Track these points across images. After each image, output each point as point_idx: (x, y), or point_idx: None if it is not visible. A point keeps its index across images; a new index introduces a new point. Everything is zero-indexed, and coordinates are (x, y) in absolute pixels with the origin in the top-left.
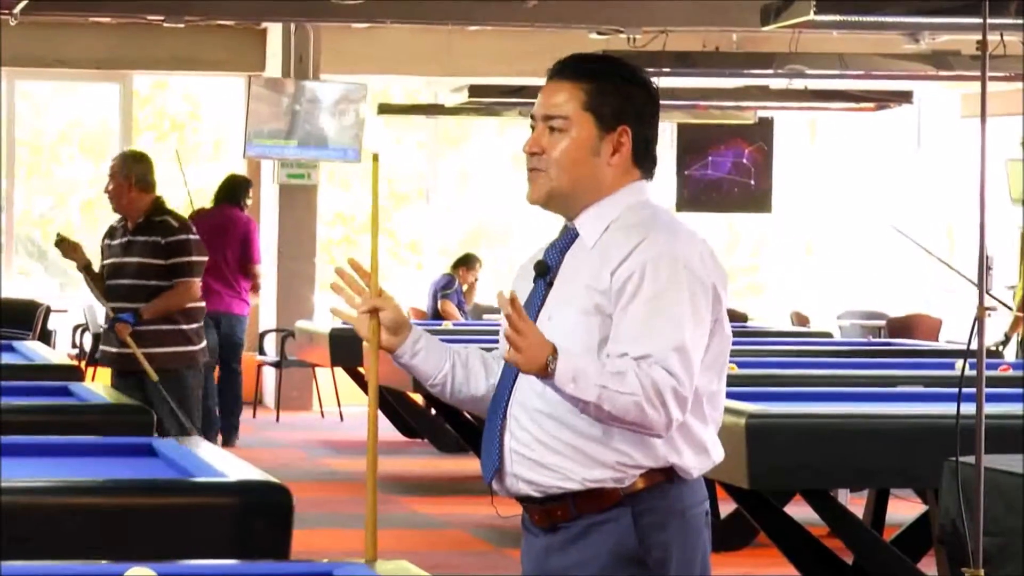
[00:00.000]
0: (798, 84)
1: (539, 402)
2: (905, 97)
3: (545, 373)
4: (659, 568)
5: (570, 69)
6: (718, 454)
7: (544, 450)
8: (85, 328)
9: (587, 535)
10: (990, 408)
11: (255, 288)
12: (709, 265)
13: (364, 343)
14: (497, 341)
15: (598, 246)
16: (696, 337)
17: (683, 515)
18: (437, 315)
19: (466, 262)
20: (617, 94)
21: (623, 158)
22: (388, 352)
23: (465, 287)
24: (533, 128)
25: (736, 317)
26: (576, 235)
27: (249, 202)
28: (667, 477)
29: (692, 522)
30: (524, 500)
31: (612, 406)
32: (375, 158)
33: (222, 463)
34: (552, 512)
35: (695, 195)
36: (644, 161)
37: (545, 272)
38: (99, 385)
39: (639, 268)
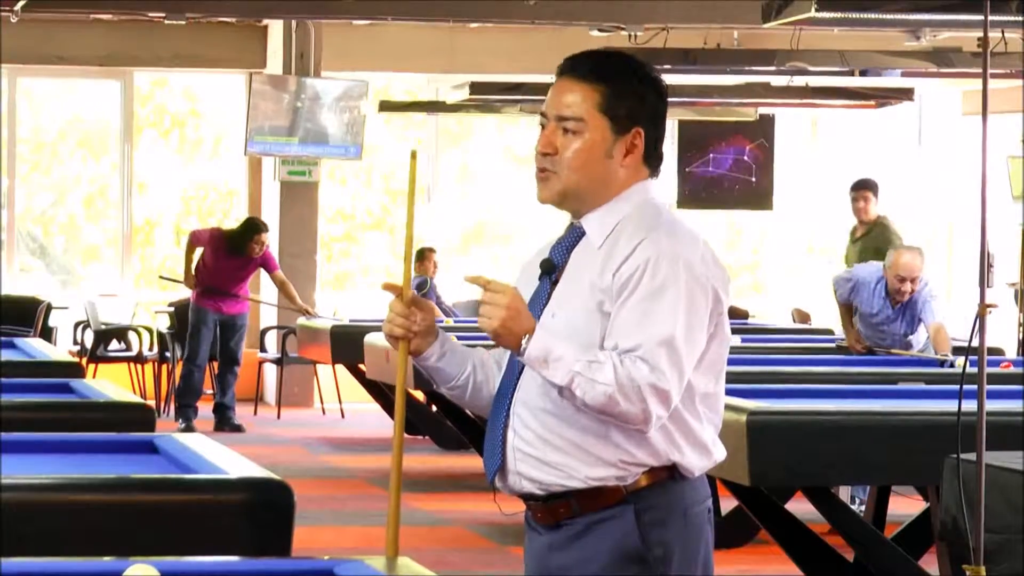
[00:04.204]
0: (799, 81)
1: (543, 400)
2: (906, 94)
3: (517, 348)
4: (660, 566)
5: (584, 68)
6: (719, 453)
7: (547, 448)
8: (86, 325)
9: (589, 532)
10: (991, 405)
11: None
12: (710, 266)
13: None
14: None
15: (604, 245)
16: (689, 334)
17: (685, 513)
18: None
19: (421, 257)
20: (632, 96)
21: (635, 159)
22: (415, 355)
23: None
24: (543, 125)
25: (737, 314)
26: (582, 233)
27: (258, 247)
28: (670, 475)
29: (694, 520)
30: (527, 498)
31: (584, 393)
32: (413, 155)
33: (223, 460)
34: (555, 510)
35: (696, 192)
36: (652, 159)
37: (551, 270)
38: (100, 382)
39: (639, 266)
